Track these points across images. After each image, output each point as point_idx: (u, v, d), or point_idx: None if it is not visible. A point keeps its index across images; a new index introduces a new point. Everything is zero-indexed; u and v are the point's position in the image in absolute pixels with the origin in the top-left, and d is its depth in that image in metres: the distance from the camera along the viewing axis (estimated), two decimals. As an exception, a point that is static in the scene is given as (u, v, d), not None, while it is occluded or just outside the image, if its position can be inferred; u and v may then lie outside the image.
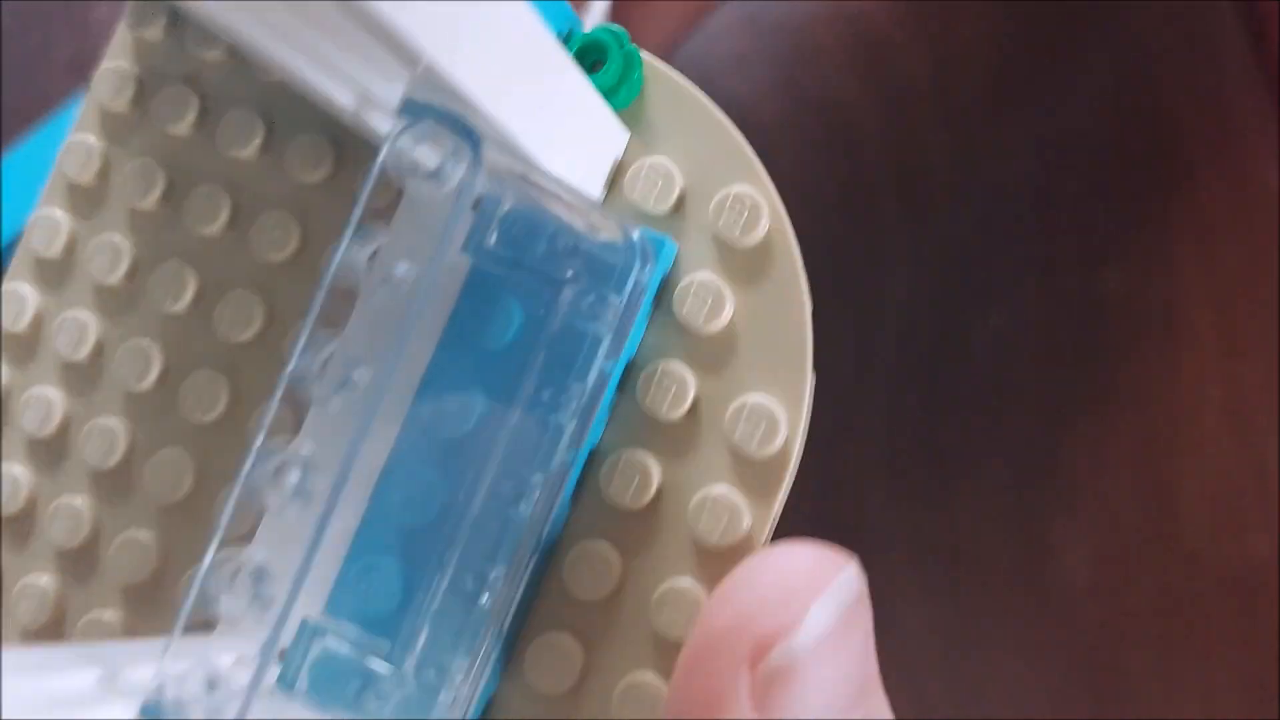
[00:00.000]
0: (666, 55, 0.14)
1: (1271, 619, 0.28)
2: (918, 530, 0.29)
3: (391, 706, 0.12)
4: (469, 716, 0.12)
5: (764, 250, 0.13)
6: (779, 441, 0.13)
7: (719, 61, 0.35)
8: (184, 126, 0.15)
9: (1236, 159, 0.31)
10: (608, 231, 0.12)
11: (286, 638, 0.11)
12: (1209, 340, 0.30)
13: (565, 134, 0.12)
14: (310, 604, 0.12)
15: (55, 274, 0.15)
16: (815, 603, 0.11)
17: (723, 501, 0.13)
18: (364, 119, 0.12)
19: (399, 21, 0.09)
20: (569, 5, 0.13)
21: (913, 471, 0.30)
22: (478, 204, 0.12)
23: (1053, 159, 0.32)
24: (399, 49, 0.10)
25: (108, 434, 0.14)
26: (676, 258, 0.13)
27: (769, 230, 0.13)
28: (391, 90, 0.11)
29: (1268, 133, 0.31)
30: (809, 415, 0.13)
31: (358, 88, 0.12)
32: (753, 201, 0.13)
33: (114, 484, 0.14)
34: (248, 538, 0.11)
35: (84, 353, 0.15)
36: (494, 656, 0.12)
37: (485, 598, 0.12)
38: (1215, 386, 0.29)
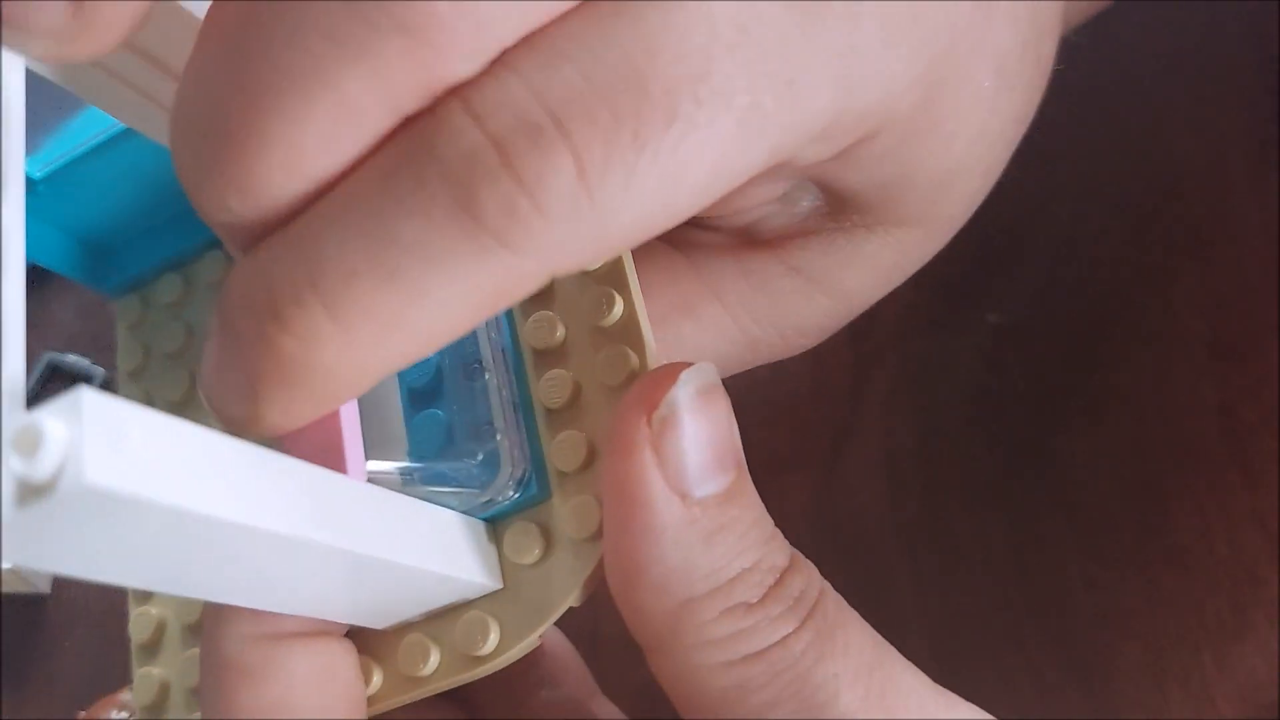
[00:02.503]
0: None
1: (1263, 617, 0.28)
2: (911, 525, 0.30)
3: (477, 470, 0.18)
4: (527, 473, 0.18)
5: None
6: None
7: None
8: (179, 342, 0.22)
9: (1230, 165, 0.31)
10: None
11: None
12: (1202, 344, 0.30)
13: None
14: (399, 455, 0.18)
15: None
16: (686, 371, 0.16)
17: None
18: None
19: None
20: None
21: (907, 468, 0.30)
22: None
23: (1048, 165, 0.32)
24: None
25: None
26: None
27: None
28: None
29: (1262, 137, 0.31)
30: None
31: None
32: None
33: None
34: None
35: None
36: (524, 434, 0.18)
37: (488, 376, 0.18)
38: (1208, 388, 0.29)
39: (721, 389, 0.16)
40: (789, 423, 0.31)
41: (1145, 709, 0.27)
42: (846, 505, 0.30)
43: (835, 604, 0.16)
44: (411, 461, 0.18)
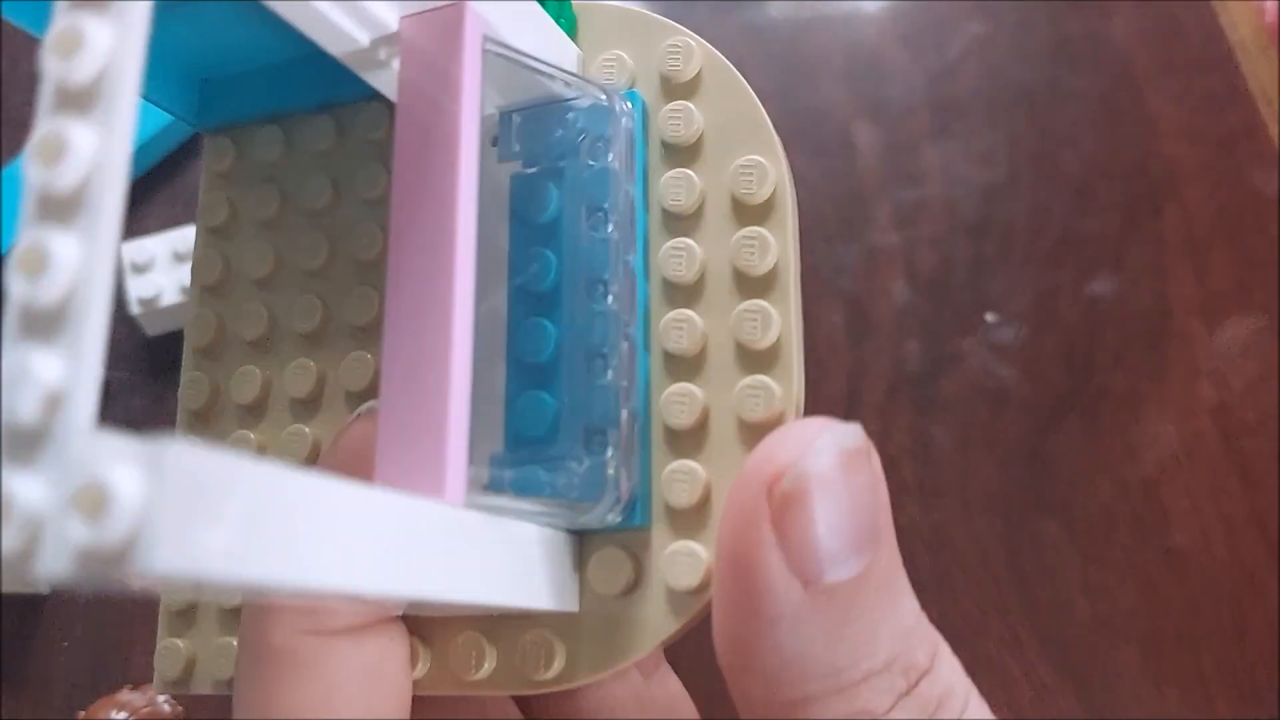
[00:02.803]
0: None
1: (1261, 618, 0.28)
2: (908, 528, 0.29)
3: (578, 483, 0.15)
4: (634, 492, 0.16)
5: (700, 77, 0.17)
6: (770, 182, 0.16)
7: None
8: (271, 210, 0.19)
9: (1227, 168, 0.31)
10: (593, 96, 0.16)
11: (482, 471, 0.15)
12: (1200, 345, 0.30)
13: (544, 43, 0.16)
14: (493, 440, 0.16)
15: (216, 349, 0.19)
16: (820, 437, 0.13)
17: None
18: (371, 57, 0.15)
19: None
20: None
21: (904, 469, 0.30)
22: (494, 133, 0.16)
23: (1045, 168, 0.32)
24: None
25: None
26: (646, 107, 0.17)
27: (703, 61, 0.17)
28: (387, 15, 0.14)
29: (1258, 141, 0.31)
30: (786, 162, 0.17)
31: (366, 19, 0.14)
32: (684, 44, 0.17)
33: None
34: None
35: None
36: (639, 451, 0.16)
37: (609, 374, 0.15)
38: (1206, 390, 0.29)
39: (868, 452, 0.14)
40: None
41: (1144, 712, 0.27)
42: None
43: (979, 713, 0.14)
44: (506, 450, 0.15)
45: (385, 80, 0.15)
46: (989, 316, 0.31)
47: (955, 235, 0.32)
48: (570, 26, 0.18)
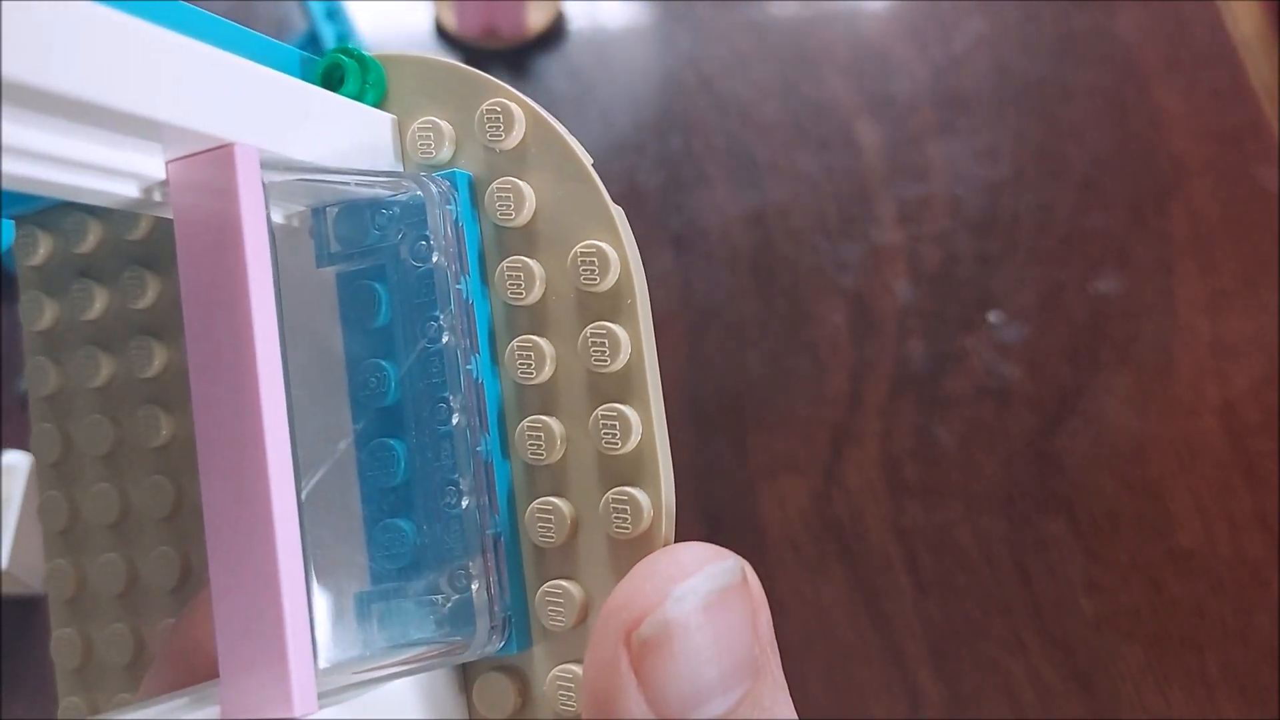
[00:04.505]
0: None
1: (1266, 618, 0.28)
2: (911, 527, 0.29)
3: (443, 622, 0.14)
4: (508, 630, 0.15)
5: (525, 143, 0.15)
6: (613, 269, 0.15)
7: (720, 63, 0.36)
8: (97, 310, 0.18)
9: (1232, 164, 0.31)
10: (410, 189, 0.15)
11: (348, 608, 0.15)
12: (1204, 344, 0.30)
13: (340, 137, 0.15)
14: (356, 578, 0.15)
15: (67, 466, 0.18)
16: (684, 582, 0.13)
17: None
18: (149, 198, 0.14)
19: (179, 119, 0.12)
20: (295, 50, 0.16)
21: (909, 469, 0.30)
22: (311, 228, 0.15)
23: (1049, 165, 0.32)
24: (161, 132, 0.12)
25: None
26: (472, 181, 0.16)
27: (525, 125, 0.16)
28: (148, 164, 0.13)
29: (1262, 137, 0.31)
30: (632, 242, 0.15)
31: (124, 174, 0.13)
32: (503, 108, 0.15)
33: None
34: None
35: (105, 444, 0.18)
36: (507, 581, 0.15)
37: (464, 501, 0.15)
38: (1210, 388, 0.29)
39: (743, 582, 0.13)
40: (789, 425, 0.31)
41: (1147, 712, 0.27)
42: (846, 508, 0.30)
43: None
44: (372, 583, 0.15)
45: (165, 210, 0.14)
46: (993, 314, 0.31)
47: (959, 232, 0.32)
48: (379, 86, 0.16)
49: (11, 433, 0.34)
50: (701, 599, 0.13)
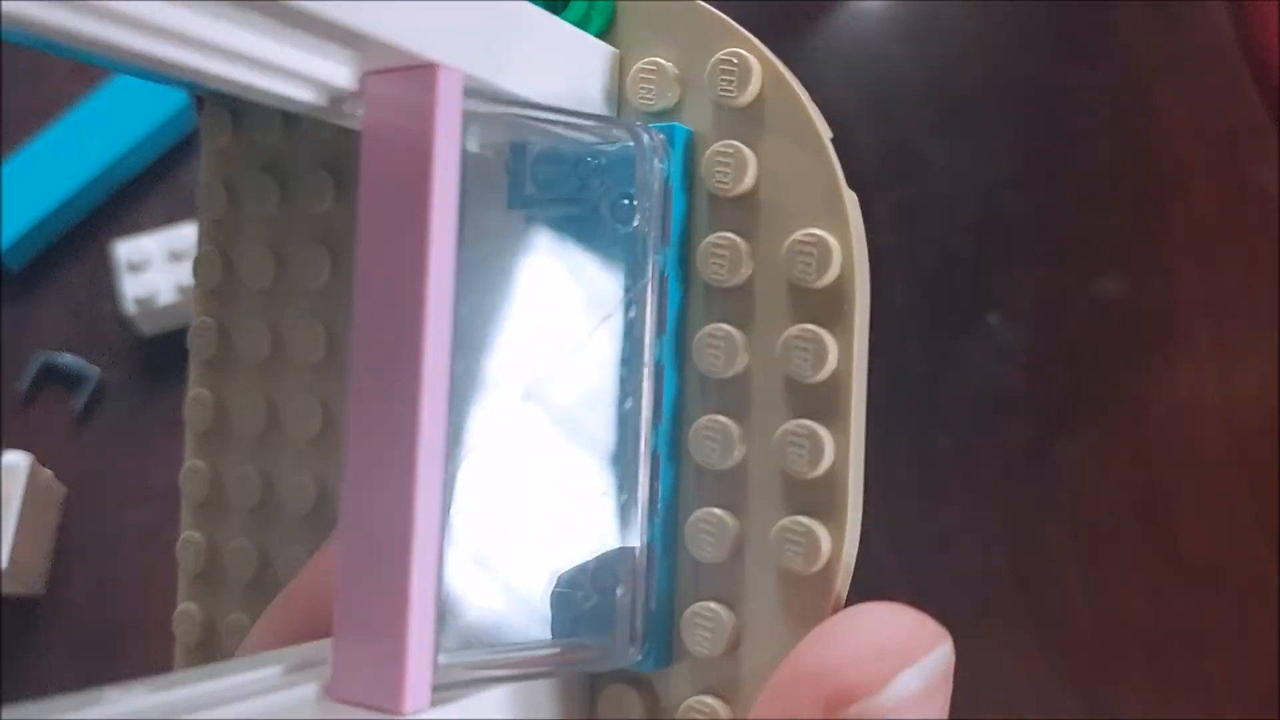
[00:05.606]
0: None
1: (1267, 622, 0.27)
2: (910, 531, 0.29)
3: (580, 622, 0.13)
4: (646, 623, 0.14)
5: (760, 103, 0.14)
6: (834, 267, 0.13)
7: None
8: (271, 206, 0.16)
9: (1232, 166, 0.31)
10: (622, 139, 0.13)
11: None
12: (1206, 347, 0.30)
13: (554, 69, 0.13)
14: (492, 565, 0.14)
15: (220, 365, 0.17)
16: (907, 670, 0.12)
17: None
18: (332, 109, 0.13)
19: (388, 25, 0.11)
20: None
21: (906, 472, 0.30)
22: (506, 163, 0.14)
23: (1048, 166, 0.32)
24: (357, 39, 0.11)
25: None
26: (691, 139, 0.14)
27: (763, 82, 0.14)
28: (340, 74, 0.12)
29: (1263, 138, 0.31)
30: (862, 237, 0.13)
31: (315, 82, 0.12)
32: (740, 60, 0.13)
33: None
34: None
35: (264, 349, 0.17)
36: (658, 579, 0.14)
37: (624, 496, 0.13)
38: (1212, 392, 0.29)
39: (947, 676, 0.13)
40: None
41: (1147, 714, 0.27)
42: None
43: None
44: (508, 573, 0.14)
45: (351, 122, 0.13)
46: (991, 317, 0.31)
47: (957, 234, 0.31)
48: (605, 14, 0.14)
49: (12, 433, 0.34)
50: (921, 689, 0.12)
